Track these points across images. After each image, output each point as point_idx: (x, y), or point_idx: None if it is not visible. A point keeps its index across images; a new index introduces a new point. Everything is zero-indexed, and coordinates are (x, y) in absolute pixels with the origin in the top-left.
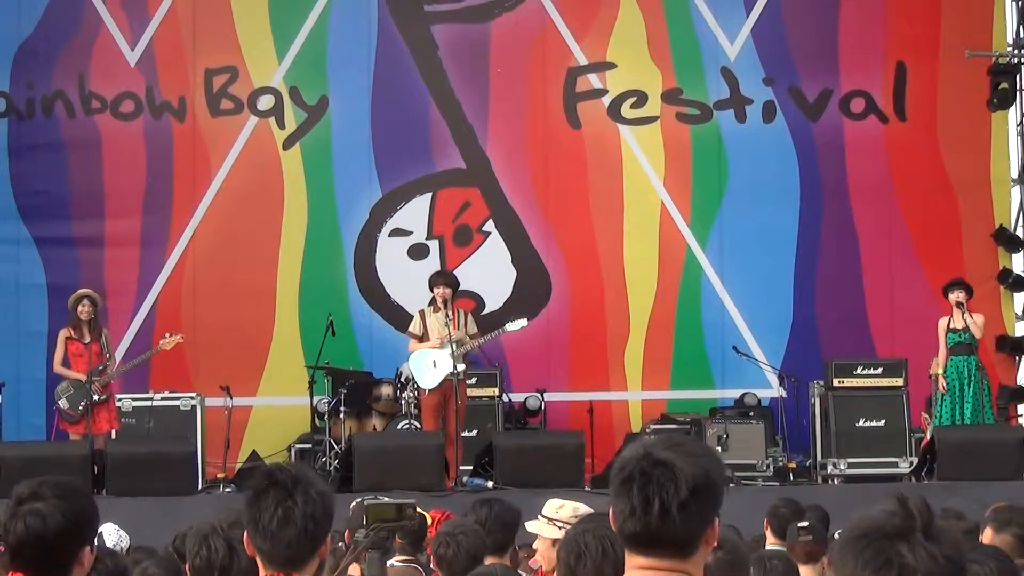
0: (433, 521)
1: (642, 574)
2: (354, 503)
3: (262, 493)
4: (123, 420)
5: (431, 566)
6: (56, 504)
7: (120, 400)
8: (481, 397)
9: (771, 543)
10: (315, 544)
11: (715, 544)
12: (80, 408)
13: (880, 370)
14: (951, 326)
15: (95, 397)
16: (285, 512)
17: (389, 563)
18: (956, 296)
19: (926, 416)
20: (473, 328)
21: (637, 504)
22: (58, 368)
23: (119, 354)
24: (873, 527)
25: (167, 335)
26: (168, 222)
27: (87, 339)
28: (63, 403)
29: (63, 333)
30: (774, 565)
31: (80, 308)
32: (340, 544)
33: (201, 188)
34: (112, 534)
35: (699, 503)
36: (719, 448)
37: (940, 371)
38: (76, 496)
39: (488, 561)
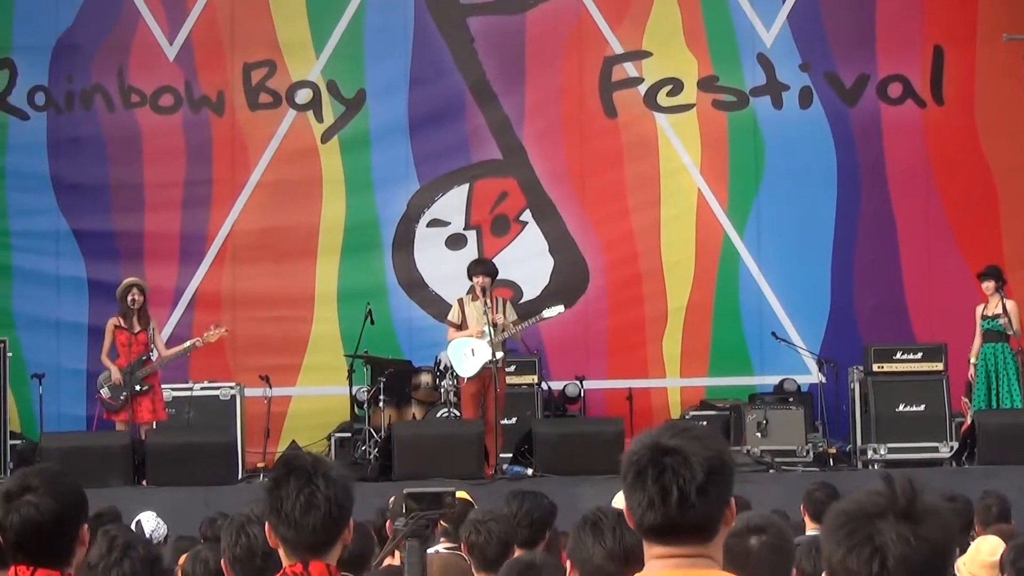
0: None
1: (664, 563)
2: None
3: (282, 481)
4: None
5: None
6: (47, 491)
7: None
8: (520, 385)
9: (810, 528)
10: (339, 528)
11: (733, 523)
12: (121, 398)
13: (919, 355)
14: (984, 313)
15: (137, 388)
16: (308, 497)
17: (434, 550)
18: (986, 284)
19: (966, 401)
20: (512, 315)
21: (655, 495)
22: (104, 358)
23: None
24: (855, 506)
25: (212, 328)
26: (207, 215)
27: (136, 329)
28: (104, 392)
29: (112, 322)
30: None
31: (129, 297)
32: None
33: (240, 181)
34: (150, 521)
35: (716, 486)
36: (759, 434)
37: (972, 359)
38: (62, 481)
39: (517, 554)
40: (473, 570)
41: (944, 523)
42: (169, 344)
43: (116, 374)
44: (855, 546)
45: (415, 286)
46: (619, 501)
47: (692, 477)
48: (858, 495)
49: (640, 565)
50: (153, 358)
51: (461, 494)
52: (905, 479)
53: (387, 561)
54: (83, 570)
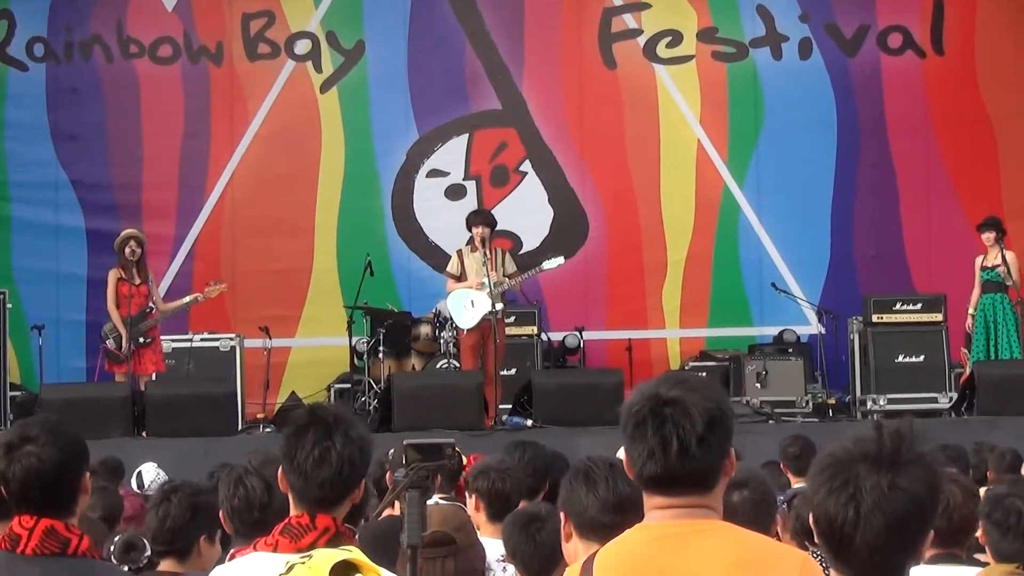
0: (470, 462)
1: (664, 514)
2: (393, 448)
3: (302, 430)
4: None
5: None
6: (47, 440)
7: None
8: (520, 336)
9: (795, 482)
10: (348, 487)
11: (733, 473)
12: (125, 350)
13: (919, 306)
14: (984, 263)
15: (140, 339)
16: (322, 452)
17: (433, 501)
18: (986, 235)
19: (965, 351)
20: (512, 267)
21: (655, 446)
22: (111, 308)
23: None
24: (840, 451)
25: (211, 283)
26: (206, 166)
27: (136, 280)
28: (110, 343)
29: (113, 274)
30: None
31: (127, 249)
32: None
33: (239, 132)
34: (151, 472)
35: (716, 436)
36: (758, 385)
37: (971, 310)
38: (62, 430)
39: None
40: (484, 520)
41: (927, 475)
42: (168, 297)
43: (121, 325)
44: (834, 490)
45: (414, 236)
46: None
47: (692, 428)
48: (847, 440)
49: (635, 515)
50: (153, 311)
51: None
52: (895, 427)
53: (386, 512)
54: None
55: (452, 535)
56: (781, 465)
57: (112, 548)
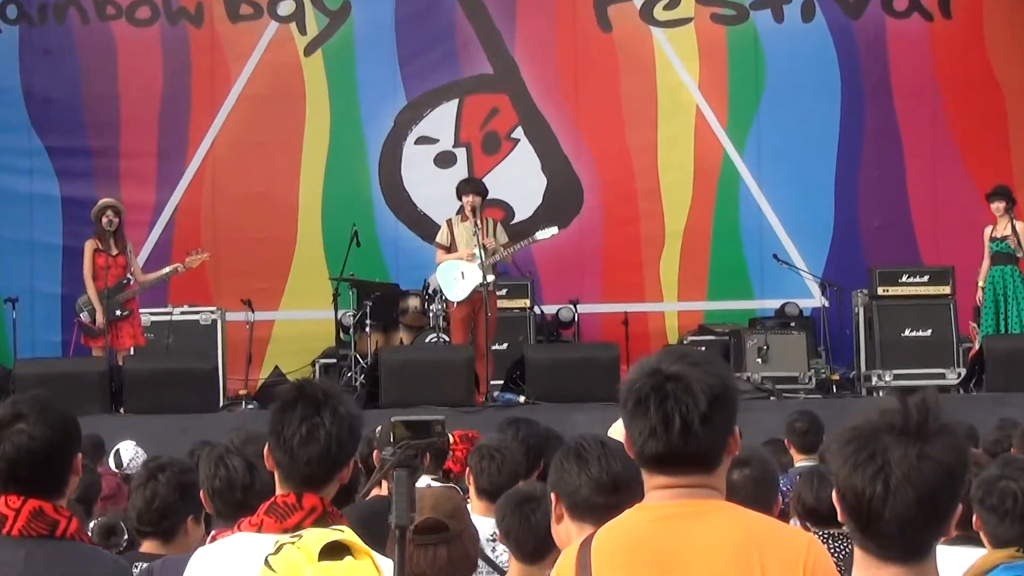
0: (456, 440)
1: (665, 493)
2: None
3: (289, 406)
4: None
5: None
6: (39, 418)
7: None
8: (512, 309)
9: (798, 460)
10: (336, 466)
11: (737, 452)
12: (100, 324)
13: (926, 278)
14: (993, 234)
15: (117, 312)
16: (310, 429)
17: (425, 483)
18: (996, 205)
19: (974, 325)
20: (503, 237)
21: (657, 423)
22: (87, 279)
23: None
24: (864, 423)
25: (193, 252)
26: (186, 131)
27: (113, 251)
28: (84, 316)
29: (90, 245)
30: (828, 482)
31: (104, 218)
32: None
33: (220, 96)
34: (129, 450)
35: (720, 413)
36: (759, 360)
37: (980, 282)
38: (55, 408)
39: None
40: (474, 500)
41: (955, 445)
42: (147, 268)
43: (96, 298)
44: (860, 463)
45: (402, 205)
46: (616, 431)
47: (695, 405)
48: (869, 412)
49: (629, 495)
50: (132, 282)
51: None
52: (920, 398)
53: (374, 492)
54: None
55: (445, 522)
56: (786, 442)
57: (90, 532)
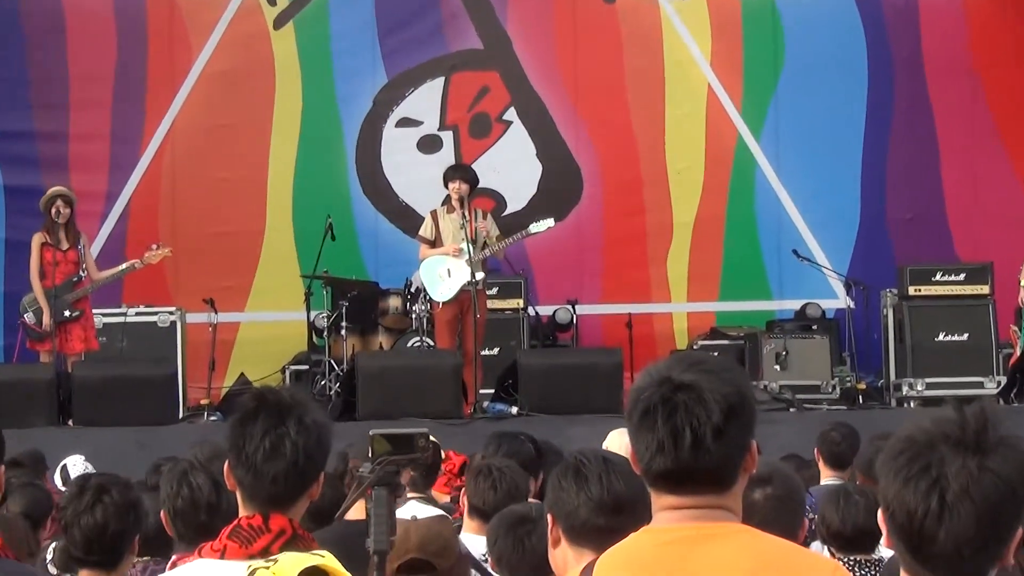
0: (448, 458)
1: (674, 515)
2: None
3: (249, 417)
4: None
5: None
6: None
7: None
8: (503, 310)
9: (826, 476)
10: (305, 482)
11: (754, 470)
12: (46, 325)
13: (962, 276)
14: None
15: (66, 313)
16: (274, 442)
17: (410, 515)
18: None
19: (1015, 329)
20: (495, 230)
21: (665, 437)
22: (33, 277)
23: None
24: (917, 433)
25: (153, 247)
26: (142, 113)
27: (64, 245)
28: (29, 317)
29: (37, 238)
30: (855, 502)
31: (53, 209)
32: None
33: (180, 74)
34: (78, 466)
35: (735, 427)
36: (777, 367)
37: (1022, 280)
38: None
39: None
40: (466, 518)
41: (1017, 457)
42: (99, 264)
43: (42, 297)
44: (913, 476)
45: (382, 195)
46: (612, 443)
47: (708, 417)
48: (922, 421)
49: (633, 518)
50: (84, 279)
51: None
52: (978, 407)
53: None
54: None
55: (431, 561)
56: (816, 452)
57: (51, 556)
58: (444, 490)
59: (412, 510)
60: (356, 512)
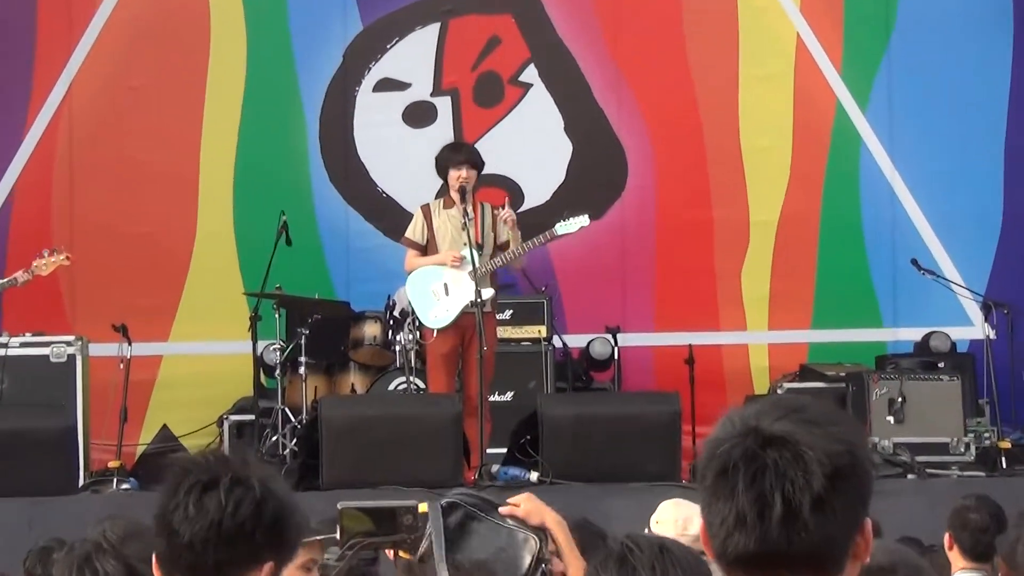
0: None
1: None
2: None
3: (176, 485)
4: None
5: None
6: None
7: None
8: (520, 340)
9: (959, 568)
10: (234, 558)
11: (867, 559)
12: None
13: None
14: None
15: None
16: (199, 499)
17: None
18: None
19: None
20: (507, 232)
21: (747, 507)
22: None
23: None
24: None
25: (44, 253)
26: (28, 78)
27: None
28: None
29: None
30: None
31: None
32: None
33: (79, 25)
34: None
35: (842, 497)
36: (891, 419)
37: None
38: None
39: None
40: None
41: None
42: None
43: None
44: None
45: (355, 183)
46: (664, 516)
47: (806, 483)
48: None
49: None
50: None
51: (423, 508)
52: None
53: None
54: None
55: None
56: (947, 539)
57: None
58: None
59: None
60: None
